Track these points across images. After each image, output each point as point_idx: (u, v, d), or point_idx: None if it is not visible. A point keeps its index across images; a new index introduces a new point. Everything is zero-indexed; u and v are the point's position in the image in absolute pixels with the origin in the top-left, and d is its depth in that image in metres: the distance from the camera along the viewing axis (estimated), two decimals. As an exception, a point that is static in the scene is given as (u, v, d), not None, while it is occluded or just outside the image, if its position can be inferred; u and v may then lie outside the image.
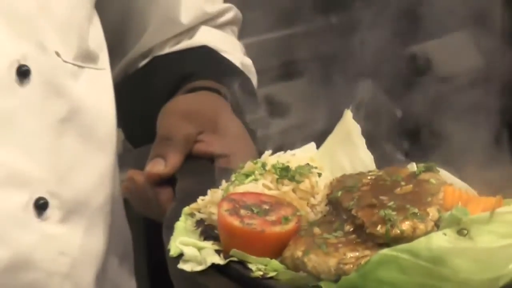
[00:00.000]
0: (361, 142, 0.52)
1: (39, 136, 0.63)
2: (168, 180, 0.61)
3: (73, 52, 0.67)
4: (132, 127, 0.83)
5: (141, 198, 0.65)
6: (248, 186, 0.47)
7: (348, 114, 0.52)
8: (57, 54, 0.65)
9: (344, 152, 0.53)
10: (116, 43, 0.79)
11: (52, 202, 0.62)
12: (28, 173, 0.61)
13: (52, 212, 0.63)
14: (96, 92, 0.69)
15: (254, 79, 0.83)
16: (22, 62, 0.61)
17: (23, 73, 0.61)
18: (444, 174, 0.46)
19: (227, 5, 0.86)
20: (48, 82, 0.63)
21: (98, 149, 0.68)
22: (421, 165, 0.46)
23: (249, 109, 0.66)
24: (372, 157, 0.51)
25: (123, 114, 0.78)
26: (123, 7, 0.79)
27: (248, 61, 0.84)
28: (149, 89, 0.77)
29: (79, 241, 0.66)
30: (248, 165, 0.50)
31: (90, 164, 0.67)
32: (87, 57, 0.69)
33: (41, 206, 0.61)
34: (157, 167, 0.62)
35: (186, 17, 0.79)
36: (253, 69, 0.84)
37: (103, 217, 0.68)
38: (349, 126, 0.53)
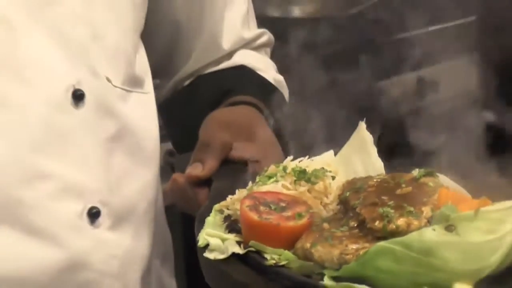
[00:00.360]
0: (373, 150, 0.57)
1: (92, 152, 0.68)
2: (205, 181, 0.67)
3: (122, 78, 0.73)
4: (179, 136, 0.90)
5: (182, 197, 0.70)
6: (269, 186, 0.52)
7: (362, 125, 0.58)
8: (108, 79, 0.71)
9: (358, 159, 0.58)
10: (166, 66, 0.87)
11: (103, 211, 0.68)
12: (82, 185, 0.66)
13: (103, 219, 0.68)
14: (142, 113, 0.75)
15: (286, 93, 0.90)
16: (77, 87, 0.67)
17: (78, 96, 0.67)
18: (443, 178, 0.50)
19: (262, 30, 0.94)
20: (100, 104, 0.69)
21: (143, 163, 0.74)
22: (422, 170, 0.51)
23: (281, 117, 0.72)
24: (382, 163, 0.56)
25: (171, 125, 0.87)
26: (172, 36, 0.87)
27: (280, 78, 0.91)
28: (194, 103, 0.84)
29: (127, 245, 0.71)
30: (271, 168, 0.55)
31: (137, 176, 0.73)
32: (134, 82, 0.76)
33: (93, 214, 0.67)
34: (196, 170, 0.68)
35: (227, 43, 0.88)
36: (284, 84, 0.91)
37: (147, 223, 0.74)
38: (363, 136, 0.58)
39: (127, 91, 0.74)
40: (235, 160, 0.69)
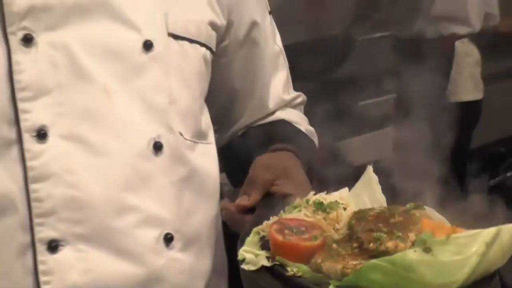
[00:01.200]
0: (378, 188, 0.70)
1: (168, 190, 0.82)
2: (251, 210, 0.80)
3: (191, 132, 0.88)
4: (233, 173, 1.06)
5: (232, 221, 0.84)
6: (294, 215, 0.65)
7: (369, 168, 0.71)
8: (180, 134, 0.85)
9: (366, 194, 0.70)
10: (224, 121, 1.04)
11: (176, 236, 0.81)
12: (160, 216, 0.80)
13: (176, 243, 0.81)
14: (206, 160, 0.90)
15: (316, 140, 1.07)
16: (157, 140, 0.81)
17: (157, 147, 0.81)
18: (429, 210, 0.62)
19: (297, 93, 1.12)
20: (174, 153, 0.83)
21: (207, 198, 0.88)
22: (412, 204, 0.63)
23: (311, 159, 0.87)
24: (384, 198, 0.68)
25: (228, 164, 1.03)
26: (230, 99, 1.05)
27: (311, 129, 1.10)
28: (246, 149, 0.99)
29: (193, 263, 0.85)
30: (297, 201, 0.68)
31: (202, 209, 0.87)
32: (200, 135, 0.91)
33: (168, 239, 0.80)
34: (243, 201, 0.82)
35: (272, 104, 1.05)
36: (315, 134, 1.10)
37: (209, 245, 0.89)
38: (370, 176, 0.71)
39: (195, 142, 0.89)
40: (274, 194, 0.82)
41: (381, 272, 0.53)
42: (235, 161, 1.04)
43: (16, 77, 0.77)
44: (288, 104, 1.09)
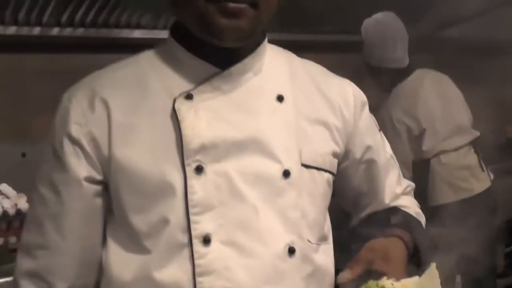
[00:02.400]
0: (437, 282, 0.95)
1: (298, 284, 1.06)
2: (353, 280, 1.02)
3: (316, 237, 1.11)
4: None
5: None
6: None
7: (433, 265, 0.98)
8: (309, 240, 1.09)
9: (430, 284, 0.95)
10: (353, 211, 1.31)
11: None
12: None
13: None
14: (327, 258, 1.16)
15: (423, 221, 1.31)
16: (291, 245, 1.04)
17: (291, 251, 1.04)
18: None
19: (407, 183, 1.37)
20: (303, 255, 1.06)
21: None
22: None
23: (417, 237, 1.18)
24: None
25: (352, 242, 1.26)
26: (355, 198, 1.30)
27: (419, 211, 1.33)
28: (366, 233, 1.20)
29: None
30: (370, 282, 0.95)
31: None
32: (322, 238, 1.15)
33: None
34: (347, 274, 1.03)
35: (388, 200, 1.28)
36: (422, 215, 1.33)
37: None
38: (433, 272, 0.97)
39: (318, 245, 1.12)
40: (373, 271, 1.03)
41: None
42: (358, 239, 1.25)
43: (190, 196, 1.02)
44: (400, 195, 1.32)
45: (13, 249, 2.18)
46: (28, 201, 2.18)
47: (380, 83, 3.04)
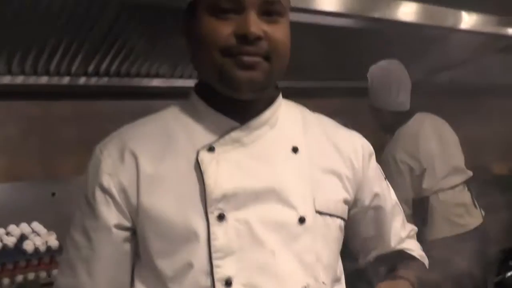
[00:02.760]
0: None
1: None
2: None
3: (330, 279, 1.14)
4: None
5: None
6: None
7: None
8: (323, 282, 1.11)
9: None
10: (361, 253, 1.38)
11: None
12: None
13: None
14: None
15: (426, 262, 1.38)
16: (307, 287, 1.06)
17: None
18: None
19: (411, 227, 1.43)
20: None
21: None
22: None
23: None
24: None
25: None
26: (363, 241, 1.35)
27: (423, 254, 1.39)
28: (377, 271, 1.29)
29: None
30: None
31: None
32: (335, 280, 1.18)
33: None
34: None
35: (393, 243, 1.34)
36: (425, 257, 1.39)
37: None
38: None
39: (333, 286, 1.16)
40: None
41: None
42: (366, 282, 1.34)
43: (212, 242, 1.04)
44: (404, 238, 1.37)
45: (44, 284, 2.24)
46: (58, 238, 2.37)
47: (383, 124, 3.16)
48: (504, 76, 4.10)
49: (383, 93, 3.06)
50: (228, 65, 1.04)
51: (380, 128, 3.18)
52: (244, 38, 1.02)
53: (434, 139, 3.11)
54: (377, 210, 1.30)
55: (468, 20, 3.14)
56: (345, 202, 1.20)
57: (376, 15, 2.70)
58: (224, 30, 1.04)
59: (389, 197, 1.33)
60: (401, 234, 1.35)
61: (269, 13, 1.06)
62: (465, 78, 3.60)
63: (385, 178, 1.35)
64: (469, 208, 3.08)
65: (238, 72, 1.04)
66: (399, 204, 1.37)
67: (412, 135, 3.08)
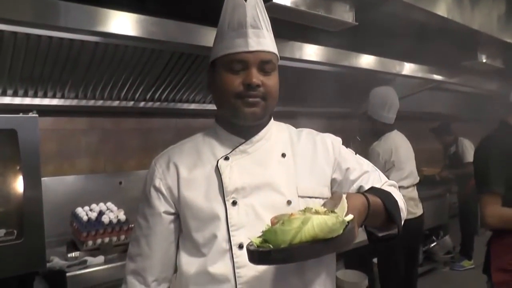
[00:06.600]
0: (345, 209, 0.92)
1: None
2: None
3: None
4: None
5: None
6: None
7: (343, 198, 0.95)
8: None
9: (340, 213, 0.92)
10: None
11: None
12: None
13: None
14: None
15: (396, 195, 1.22)
16: None
17: None
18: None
19: (389, 181, 1.28)
20: None
21: None
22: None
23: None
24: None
25: None
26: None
27: (395, 190, 1.25)
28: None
29: None
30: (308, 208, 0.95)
31: None
32: None
33: None
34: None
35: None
36: (398, 193, 1.25)
37: None
38: (343, 203, 0.94)
39: None
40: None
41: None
42: None
43: (229, 220, 1.11)
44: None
45: (115, 245, 2.34)
46: (125, 214, 2.51)
47: (374, 130, 3.40)
48: (431, 106, 4.27)
49: (379, 108, 3.28)
50: (238, 104, 1.15)
51: (371, 133, 3.40)
52: (249, 86, 1.12)
53: (404, 148, 3.36)
54: (352, 180, 1.25)
55: (408, 68, 3.47)
56: (325, 185, 1.22)
57: (345, 63, 2.97)
58: (236, 81, 1.14)
59: (359, 168, 1.27)
60: (376, 185, 1.25)
61: (264, 69, 1.16)
62: (406, 107, 3.63)
63: (355, 154, 1.31)
64: (416, 202, 3.40)
65: (245, 109, 1.14)
66: (375, 168, 1.29)
67: (392, 141, 3.32)
